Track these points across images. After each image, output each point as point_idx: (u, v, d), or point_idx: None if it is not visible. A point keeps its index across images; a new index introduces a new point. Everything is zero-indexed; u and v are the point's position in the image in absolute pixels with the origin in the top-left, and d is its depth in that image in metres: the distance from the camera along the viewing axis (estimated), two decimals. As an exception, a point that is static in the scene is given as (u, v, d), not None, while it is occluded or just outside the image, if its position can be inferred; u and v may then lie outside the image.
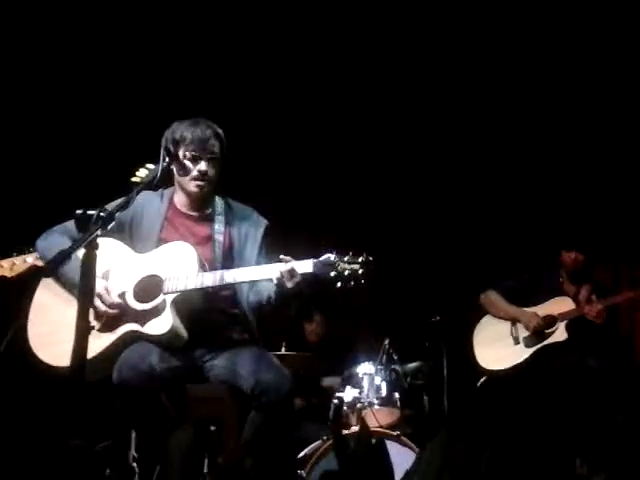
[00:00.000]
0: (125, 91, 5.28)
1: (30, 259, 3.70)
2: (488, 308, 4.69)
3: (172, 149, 3.23)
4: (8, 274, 3.69)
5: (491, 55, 5.30)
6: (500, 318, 4.65)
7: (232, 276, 3.16)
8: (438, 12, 5.10)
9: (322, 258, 3.11)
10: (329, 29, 5.25)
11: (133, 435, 3.89)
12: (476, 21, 5.14)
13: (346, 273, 3.06)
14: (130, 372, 3.00)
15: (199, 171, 3.26)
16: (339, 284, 3.07)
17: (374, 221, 5.78)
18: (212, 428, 3.53)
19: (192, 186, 3.30)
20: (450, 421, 4.75)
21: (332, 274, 3.06)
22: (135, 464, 3.89)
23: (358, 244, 3.16)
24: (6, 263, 3.70)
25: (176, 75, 5.27)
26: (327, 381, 4.98)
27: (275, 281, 3.12)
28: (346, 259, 3.08)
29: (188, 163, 3.25)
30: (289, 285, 3.09)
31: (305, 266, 3.11)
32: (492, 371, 4.53)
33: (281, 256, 3.14)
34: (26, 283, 3.40)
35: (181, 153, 3.23)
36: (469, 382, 4.70)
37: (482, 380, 4.61)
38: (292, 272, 3.08)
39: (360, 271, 3.06)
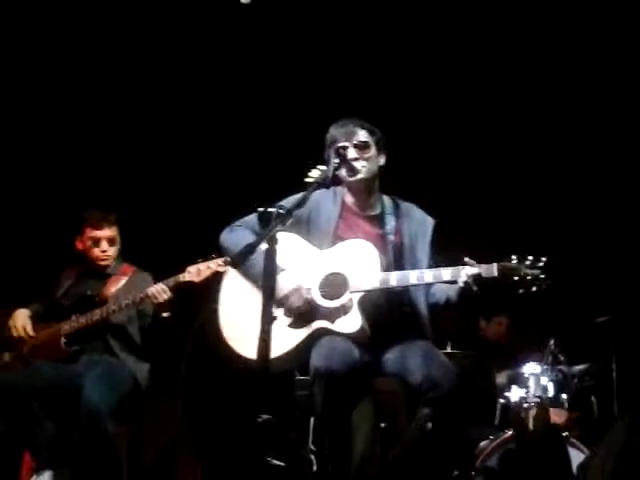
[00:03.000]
0: (298, 94, 5.47)
1: (213, 265, 3.98)
2: None
3: (328, 150, 3.39)
4: (195, 279, 4.00)
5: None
6: None
7: (416, 277, 3.21)
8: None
9: (505, 262, 3.11)
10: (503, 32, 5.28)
11: (311, 427, 4.10)
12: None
13: (528, 278, 3.06)
14: (339, 363, 3.06)
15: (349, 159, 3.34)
16: (521, 290, 3.08)
17: (536, 214, 5.63)
18: (382, 425, 3.65)
19: (346, 176, 3.38)
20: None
21: (515, 279, 3.07)
22: (313, 456, 4.11)
23: (521, 239, 3.16)
24: (193, 269, 4.00)
25: (345, 78, 5.39)
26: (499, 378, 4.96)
27: (461, 284, 3.15)
28: (527, 263, 3.08)
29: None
30: (474, 289, 3.12)
31: (490, 270, 3.12)
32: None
33: (466, 259, 3.16)
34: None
35: (334, 151, 3.33)
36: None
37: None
38: (478, 276, 3.11)
39: (542, 276, 3.06)
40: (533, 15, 5.16)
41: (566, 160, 5.66)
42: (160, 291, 3.98)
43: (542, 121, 5.61)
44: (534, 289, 3.06)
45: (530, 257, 3.09)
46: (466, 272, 3.13)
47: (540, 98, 5.53)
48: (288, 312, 3.26)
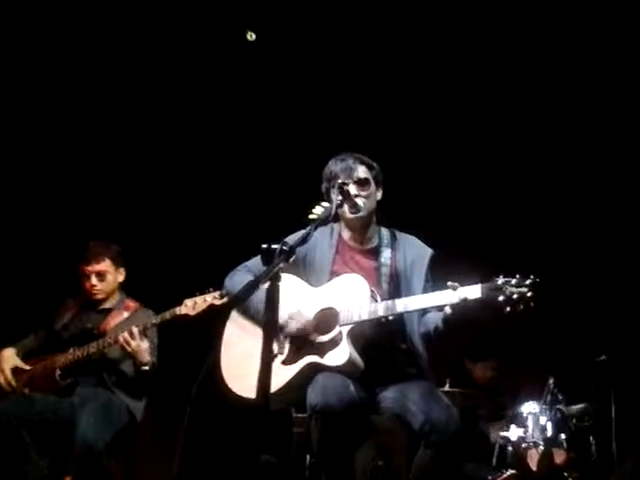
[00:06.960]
0: (299, 132, 5.52)
1: (209, 298, 3.99)
2: None
3: (328, 186, 3.40)
4: (191, 312, 4.00)
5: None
6: None
7: (403, 305, 3.20)
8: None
9: (489, 282, 3.08)
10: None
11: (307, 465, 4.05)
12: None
13: (515, 297, 3.01)
14: (336, 399, 3.03)
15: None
16: (508, 309, 3.02)
17: (537, 252, 5.58)
18: (379, 463, 3.61)
19: (348, 213, 3.38)
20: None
21: (500, 298, 3.02)
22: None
23: (521, 269, 3.12)
24: (190, 302, 4.01)
25: (345, 113, 5.45)
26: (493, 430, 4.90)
27: (447, 309, 3.12)
28: (514, 282, 3.04)
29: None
30: (459, 312, 3.09)
31: (473, 291, 3.09)
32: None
33: (449, 283, 3.13)
34: (216, 319, 3.65)
35: (337, 187, 3.30)
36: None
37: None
38: (463, 298, 3.07)
39: (529, 294, 3.00)
40: (525, 47, 5.22)
41: (568, 194, 5.68)
42: (127, 338, 3.94)
43: (541, 149, 5.63)
44: (521, 308, 3.00)
45: (517, 276, 3.05)
46: (448, 295, 3.11)
47: (530, 127, 5.57)
48: (279, 350, 3.23)
